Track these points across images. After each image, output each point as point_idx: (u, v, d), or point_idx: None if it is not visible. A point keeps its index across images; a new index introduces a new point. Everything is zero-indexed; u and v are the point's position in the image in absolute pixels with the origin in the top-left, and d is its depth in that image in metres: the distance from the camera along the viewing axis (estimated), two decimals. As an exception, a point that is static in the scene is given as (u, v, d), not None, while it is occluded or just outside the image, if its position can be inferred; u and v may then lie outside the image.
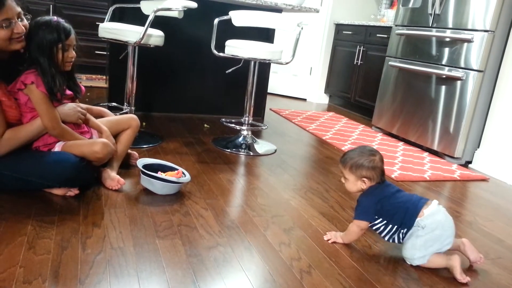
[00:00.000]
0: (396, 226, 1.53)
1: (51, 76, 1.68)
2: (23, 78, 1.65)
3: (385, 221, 1.54)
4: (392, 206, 1.53)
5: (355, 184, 1.57)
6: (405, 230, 1.52)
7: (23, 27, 1.60)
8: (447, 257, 1.49)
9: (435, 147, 3.17)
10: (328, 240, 1.64)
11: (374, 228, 1.57)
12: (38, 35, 1.66)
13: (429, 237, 1.48)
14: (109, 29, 2.42)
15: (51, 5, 4.34)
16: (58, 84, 1.70)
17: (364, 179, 1.54)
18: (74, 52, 1.77)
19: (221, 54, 2.64)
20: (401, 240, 1.56)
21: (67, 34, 1.73)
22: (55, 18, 1.73)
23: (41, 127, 1.70)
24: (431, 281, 1.45)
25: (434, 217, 1.49)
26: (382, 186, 1.57)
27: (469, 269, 1.56)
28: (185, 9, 2.36)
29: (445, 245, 1.50)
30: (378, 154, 1.56)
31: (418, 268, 1.53)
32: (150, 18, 2.28)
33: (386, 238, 1.58)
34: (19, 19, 1.59)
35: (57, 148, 1.75)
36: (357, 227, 1.58)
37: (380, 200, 1.53)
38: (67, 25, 1.74)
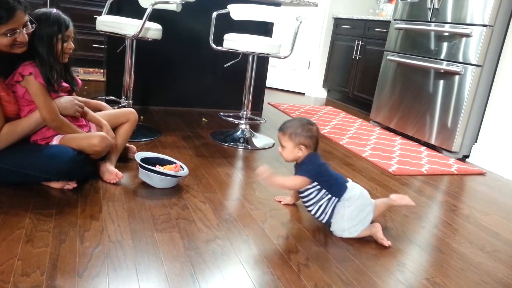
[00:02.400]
0: (327, 192, 1.64)
1: (49, 66, 1.67)
2: (21, 69, 1.64)
3: (318, 186, 1.65)
4: (327, 172, 1.67)
5: (292, 151, 1.66)
6: (334, 198, 1.64)
7: (26, 36, 1.59)
8: (370, 226, 1.65)
9: (432, 141, 3.18)
10: (281, 202, 1.85)
11: (306, 193, 1.66)
12: (38, 26, 1.65)
13: (354, 207, 1.62)
14: (107, 22, 2.40)
15: (48, -2, 4.31)
16: (56, 74, 1.70)
17: (302, 146, 1.64)
18: (72, 44, 1.76)
19: (219, 48, 2.63)
20: (326, 214, 1.65)
21: (67, 26, 1.73)
22: (54, 10, 1.73)
23: (39, 121, 1.69)
24: (426, 274, 1.47)
25: (354, 190, 1.66)
26: (317, 154, 1.69)
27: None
28: (183, 2, 2.35)
29: (368, 213, 1.64)
30: (315, 125, 1.69)
31: (417, 260, 1.54)
32: (148, 11, 2.27)
33: (311, 207, 1.67)
34: (24, 28, 1.57)
35: (55, 141, 1.75)
36: (302, 180, 1.64)
37: (321, 165, 1.67)
38: (66, 16, 1.75)
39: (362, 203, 1.64)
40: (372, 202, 1.69)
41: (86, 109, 1.90)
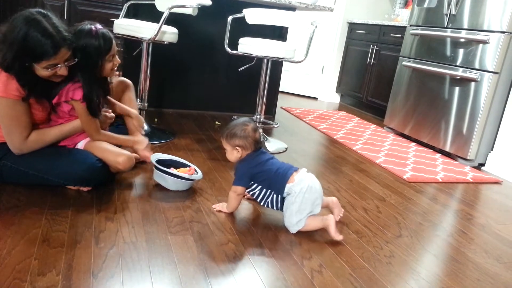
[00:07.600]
0: (269, 190, 1.66)
1: (96, 96, 1.74)
2: (72, 94, 1.69)
3: (259, 186, 1.67)
4: (264, 171, 1.65)
5: (232, 153, 1.69)
6: (277, 195, 1.65)
7: (66, 71, 1.62)
8: (322, 218, 1.63)
9: (447, 148, 3.14)
10: (215, 209, 1.76)
11: (251, 193, 1.71)
12: (84, 50, 1.67)
13: (301, 201, 1.61)
14: (124, 25, 2.43)
15: (66, 1, 4.38)
16: (98, 101, 1.76)
17: (238, 147, 1.67)
18: (118, 58, 1.82)
19: (234, 51, 2.64)
20: (277, 207, 1.69)
21: (107, 49, 1.74)
22: (96, 27, 1.72)
23: (67, 133, 1.76)
24: (442, 283, 1.45)
25: (303, 182, 1.62)
26: (257, 153, 1.69)
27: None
28: (199, 6, 2.36)
29: (315, 206, 1.64)
30: (252, 123, 1.70)
31: (432, 269, 1.52)
32: (164, 15, 2.29)
33: (262, 203, 1.71)
34: (65, 63, 1.60)
35: (81, 145, 1.78)
36: (233, 192, 1.69)
37: (254, 166, 1.66)
38: (107, 35, 1.75)
39: (309, 197, 1.61)
40: (321, 194, 1.67)
41: (112, 100, 1.99)
